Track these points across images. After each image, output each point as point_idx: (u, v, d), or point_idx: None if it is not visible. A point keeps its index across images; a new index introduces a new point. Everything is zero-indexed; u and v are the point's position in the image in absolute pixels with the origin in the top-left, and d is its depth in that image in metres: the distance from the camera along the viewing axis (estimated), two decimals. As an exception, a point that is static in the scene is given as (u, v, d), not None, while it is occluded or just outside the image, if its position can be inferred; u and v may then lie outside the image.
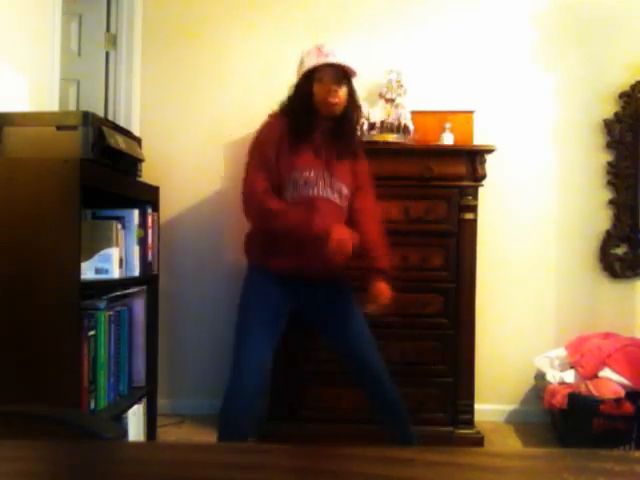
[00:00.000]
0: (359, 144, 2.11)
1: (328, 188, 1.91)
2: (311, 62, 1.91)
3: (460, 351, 2.52)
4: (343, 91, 1.93)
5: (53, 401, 1.56)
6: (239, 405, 1.89)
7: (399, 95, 2.73)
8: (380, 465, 0.63)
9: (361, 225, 1.97)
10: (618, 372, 2.42)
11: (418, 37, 2.95)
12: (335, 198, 1.93)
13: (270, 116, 2.02)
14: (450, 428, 2.52)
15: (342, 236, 1.76)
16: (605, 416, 2.31)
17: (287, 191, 1.88)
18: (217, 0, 3.00)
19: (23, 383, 1.59)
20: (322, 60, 1.90)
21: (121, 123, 2.59)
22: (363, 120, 2.58)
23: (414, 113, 2.66)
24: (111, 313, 1.91)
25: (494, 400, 2.89)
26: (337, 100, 1.91)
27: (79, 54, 2.91)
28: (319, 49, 1.93)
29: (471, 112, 2.70)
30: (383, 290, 1.94)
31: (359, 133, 2.22)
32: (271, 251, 1.91)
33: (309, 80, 1.91)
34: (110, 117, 2.84)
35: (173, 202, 2.90)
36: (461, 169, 2.52)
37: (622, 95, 2.89)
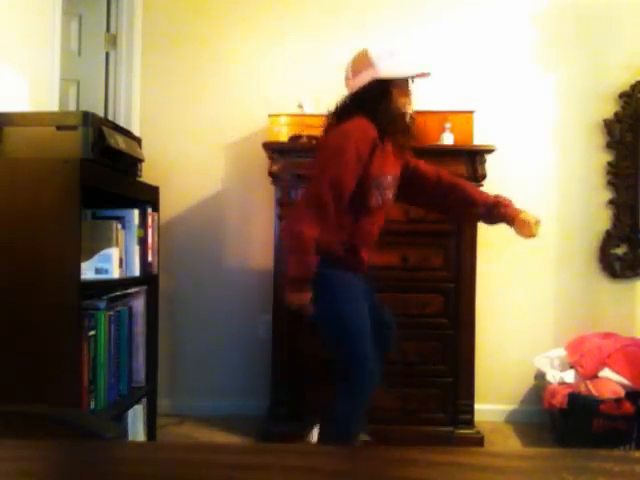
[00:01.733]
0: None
1: (394, 188, 1.98)
2: (391, 70, 1.88)
3: (460, 351, 2.52)
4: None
5: (53, 401, 1.56)
6: (371, 389, 1.87)
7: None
8: (380, 465, 0.63)
9: (451, 185, 2.06)
10: (618, 372, 2.42)
11: (418, 37, 2.95)
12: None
13: (355, 117, 1.89)
14: (450, 428, 2.52)
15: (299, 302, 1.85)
16: (605, 416, 2.31)
17: (371, 194, 1.89)
18: (217, 0, 3.00)
19: (23, 383, 1.59)
20: (405, 71, 1.90)
21: (121, 123, 2.59)
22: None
23: (414, 113, 2.66)
24: (111, 313, 1.91)
25: (494, 400, 2.89)
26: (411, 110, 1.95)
27: (79, 54, 2.91)
28: (394, 50, 1.93)
29: (471, 112, 2.70)
30: (528, 216, 1.95)
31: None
32: (352, 250, 1.93)
33: (389, 85, 1.89)
34: (110, 117, 2.84)
35: (173, 202, 2.90)
36: (461, 169, 2.52)
37: (622, 95, 2.89)
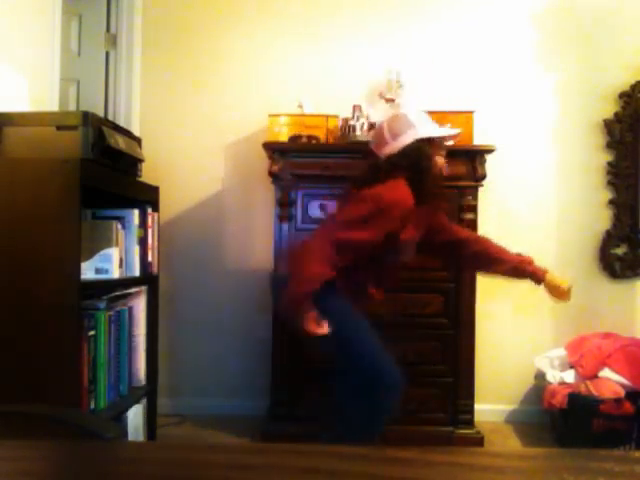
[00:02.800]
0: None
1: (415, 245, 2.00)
2: (432, 130, 1.92)
3: (460, 351, 2.52)
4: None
5: (53, 401, 1.56)
6: (396, 397, 1.87)
7: (399, 95, 2.73)
8: (380, 465, 0.63)
9: (484, 249, 2.10)
10: (618, 372, 2.42)
11: (418, 37, 2.95)
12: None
13: (396, 178, 1.88)
14: (450, 428, 2.52)
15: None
16: (605, 416, 2.31)
17: (398, 254, 1.93)
18: (217, 0, 3.00)
19: (23, 383, 1.59)
20: (444, 131, 1.95)
21: (121, 123, 2.59)
22: (364, 121, 2.59)
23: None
24: (111, 313, 1.91)
25: (494, 400, 2.89)
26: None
27: (79, 54, 2.91)
28: (427, 116, 1.97)
29: (471, 112, 2.70)
30: (557, 280, 2.00)
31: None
32: (356, 296, 1.92)
33: (430, 146, 1.91)
34: (110, 117, 2.84)
35: (173, 202, 2.90)
36: (461, 169, 2.52)
37: (622, 95, 2.89)
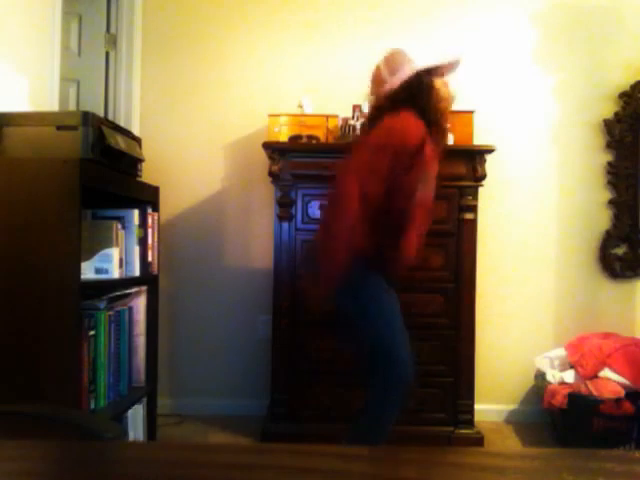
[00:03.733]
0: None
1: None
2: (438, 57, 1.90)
3: (460, 351, 2.52)
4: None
5: (53, 401, 1.56)
6: (407, 391, 1.85)
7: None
8: (380, 465, 0.63)
9: None
10: (618, 372, 2.41)
11: (418, 37, 2.95)
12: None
13: (403, 111, 1.83)
14: (450, 428, 2.52)
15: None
16: (605, 416, 2.31)
17: (418, 187, 1.86)
18: (217, 0, 3.00)
19: (23, 383, 1.59)
20: (443, 60, 1.92)
21: (121, 123, 2.59)
22: (364, 121, 2.58)
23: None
24: (111, 313, 1.91)
25: (494, 400, 2.89)
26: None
27: (79, 54, 2.91)
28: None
29: (471, 112, 2.70)
30: None
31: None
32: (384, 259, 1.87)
33: (429, 79, 1.89)
34: (110, 117, 2.84)
35: (173, 202, 2.90)
36: (461, 169, 2.52)
37: (622, 95, 2.89)
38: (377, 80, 1.93)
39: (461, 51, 2.00)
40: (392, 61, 1.91)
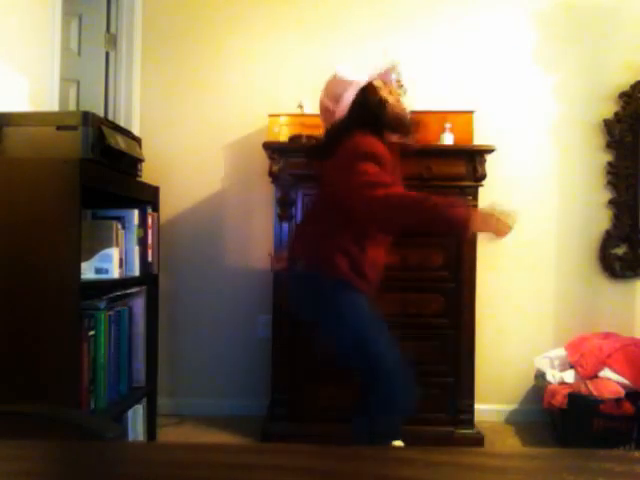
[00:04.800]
0: None
1: None
2: (371, 73, 1.88)
3: (460, 351, 2.52)
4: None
5: (53, 401, 1.56)
6: (411, 397, 1.83)
7: (399, 95, 2.73)
8: (380, 465, 0.63)
9: None
10: (618, 372, 2.41)
11: (418, 37, 2.95)
12: None
13: (362, 132, 1.82)
14: (450, 428, 2.52)
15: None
16: (605, 416, 2.31)
17: None
18: (217, 1, 3.00)
19: (23, 383, 1.59)
20: (381, 68, 1.91)
21: (121, 123, 2.59)
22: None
23: (414, 113, 2.66)
24: (111, 313, 1.91)
25: (494, 400, 2.89)
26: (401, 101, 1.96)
27: (79, 54, 2.91)
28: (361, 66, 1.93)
29: (471, 112, 2.70)
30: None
31: None
32: (358, 274, 1.84)
33: (376, 90, 1.88)
34: (110, 117, 2.84)
35: (173, 202, 2.90)
36: (461, 169, 2.52)
37: (622, 95, 2.89)
38: (325, 113, 1.94)
39: (390, 53, 2.00)
40: (333, 89, 1.90)
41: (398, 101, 1.93)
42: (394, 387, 1.81)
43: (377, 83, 1.89)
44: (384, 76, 1.93)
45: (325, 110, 1.93)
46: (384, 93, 1.89)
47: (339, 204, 1.81)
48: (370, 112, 1.84)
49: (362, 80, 1.87)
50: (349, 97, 1.85)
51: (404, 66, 2.81)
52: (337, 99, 1.87)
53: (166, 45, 2.99)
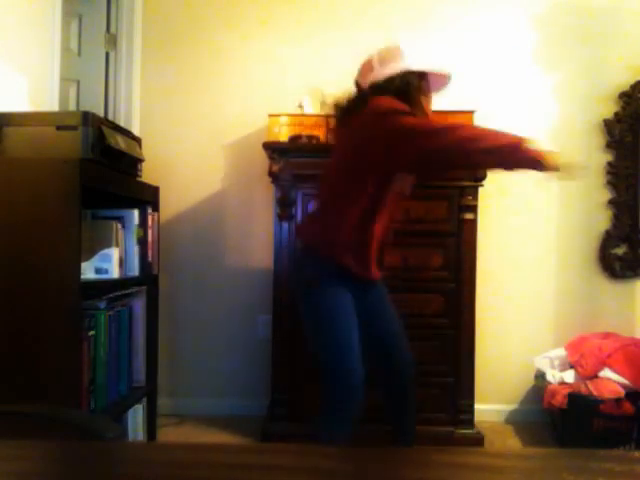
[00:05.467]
0: None
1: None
2: (426, 66, 1.84)
3: (460, 351, 2.52)
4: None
5: (53, 401, 1.56)
6: (358, 398, 1.75)
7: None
8: (380, 465, 0.63)
9: None
10: (618, 372, 2.41)
11: (418, 37, 2.95)
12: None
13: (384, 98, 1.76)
14: (450, 428, 2.52)
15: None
16: (605, 416, 2.31)
17: (390, 187, 1.77)
18: (217, 1, 3.00)
19: (23, 383, 1.59)
20: (438, 69, 1.85)
21: (121, 123, 2.59)
22: None
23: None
24: (111, 313, 1.91)
25: (494, 400, 2.89)
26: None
27: (79, 54, 2.91)
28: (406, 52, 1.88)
29: (471, 112, 2.70)
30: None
31: None
32: (345, 248, 1.76)
33: (420, 80, 1.83)
34: (110, 117, 2.84)
35: (173, 202, 2.91)
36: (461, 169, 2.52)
37: (622, 95, 2.89)
38: (364, 67, 1.88)
39: (452, 69, 1.95)
40: (386, 52, 1.86)
41: (429, 105, 1.87)
42: (335, 397, 1.75)
43: (427, 81, 1.84)
44: (437, 78, 1.87)
45: (366, 65, 1.87)
46: (425, 90, 1.84)
47: (356, 169, 1.73)
48: (403, 93, 1.77)
49: (416, 66, 1.81)
50: (394, 68, 1.80)
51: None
52: (384, 62, 1.82)
53: (166, 45, 3.00)
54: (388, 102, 1.72)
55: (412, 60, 1.83)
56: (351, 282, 1.79)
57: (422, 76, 1.83)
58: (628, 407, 2.31)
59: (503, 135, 1.63)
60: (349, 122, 1.83)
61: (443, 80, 1.90)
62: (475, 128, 1.71)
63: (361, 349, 1.77)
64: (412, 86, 1.80)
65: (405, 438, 1.96)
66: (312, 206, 2.39)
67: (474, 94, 2.89)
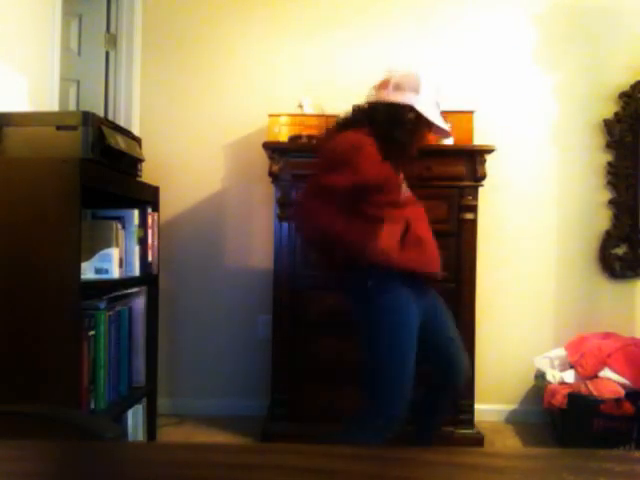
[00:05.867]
0: None
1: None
2: (431, 111, 1.81)
3: (460, 351, 2.52)
4: None
5: (53, 401, 1.56)
6: (399, 425, 1.74)
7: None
8: (380, 465, 0.63)
9: None
10: (618, 372, 2.42)
11: (418, 37, 2.95)
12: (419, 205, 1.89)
13: (356, 133, 1.77)
14: (450, 428, 2.52)
15: None
16: (605, 416, 2.31)
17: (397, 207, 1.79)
18: (217, 0, 3.00)
19: (23, 383, 1.59)
20: (439, 121, 1.84)
21: (121, 123, 2.59)
22: None
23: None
24: (111, 313, 1.91)
25: (494, 400, 2.89)
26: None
27: (79, 54, 2.91)
28: (438, 89, 1.86)
29: (471, 112, 2.70)
30: None
31: None
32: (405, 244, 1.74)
33: (419, 122, 1.80)
34: (110, 117, 2.84)
35: (173, 202, 2.90)
36: (461, 169, 2.52)
37: (622, 95, 2.89)
38: (383, 82, 1.85)
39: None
40: (406, 79, 1.81)
41: (418, 144, 1.87)
42: (376, 419, 1.72)
43: (425, 125, 1.83)
44: (434, 127, 1.86)
45: (384, 82, 1.83)
46: (417, 135, 1.83)
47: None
48: (391, 126, 1.77)
49: (423, 107, 1.78)
50: (401, 98, 1.77)
51: (404, 66, 2.82)
52: (397, 87, 1.79)
53: (166, 45, 3.00)
54: (340, 146, 1.75)
55: (425, 98, 1.80)
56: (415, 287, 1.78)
57: (421, 118, 1.80)
58: (628, 407, 2.31)
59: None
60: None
61: (443, 133, 1.92)
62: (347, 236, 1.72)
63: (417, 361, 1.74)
64: (405, 122, 1.78)
65: (429, 436, 2.00)
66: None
67: (474, 94, 2.89)
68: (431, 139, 2.62)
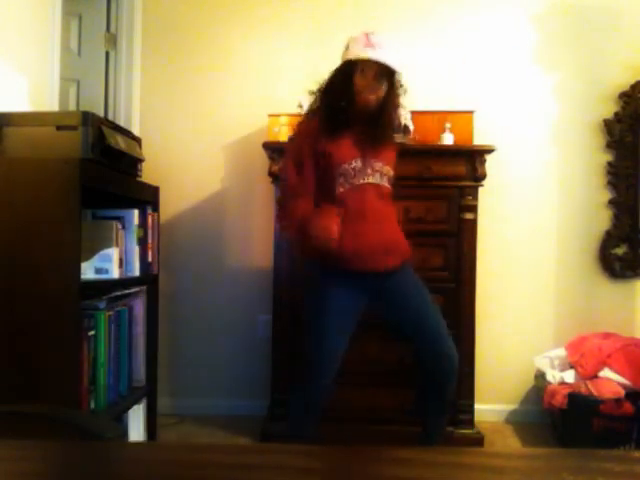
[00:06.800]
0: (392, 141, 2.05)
1: (377, 174, 1.90)
2: (356, 51, 1.86)
3: (460, 351, 2.51)
4: (382, 88, 1.88)
5: (53, 401, 1.56)
6: (318, 402, 1.98)
7: (399, 95, 2.72)
8: (380, 465, 0.63)
9: None
10: (618, 372, 2.41)
11: (418, 37, 2.95)
12: (384, 182, 1.93)
13: (303, 118, 2.05)
14: (450, 428, 2.51)
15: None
16: (605, 416, 2.31)
17: (338, 184, 1.86)
18: (217, 0, 3.00)
19: (23, 383, 1.59)
20: (368, 53, 1.84)
21: (121, 123, 2.59)
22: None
23: (414, 113, 2.66)
24: (111, 313, 1.91)
25: (494, 400, 2.89)
26: (374, 97, 1.88)
27: (79, 54, 2.91)
28: (367, 37, 1.86)
29: (471, 112, 2.70)
30: None
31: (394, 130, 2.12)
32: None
33: (350, 69, 1.87)
34: (110, 117, 2.84)
35: (173, 202, 2.90)
36: (461, 169, 2.52)
37: (622, 95, 2.89)
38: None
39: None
40: (345, 45, 1.98)
41: (363, 91, 1.87)
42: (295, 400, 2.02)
43: (362, 68, 1.87)
44: (369, 64, 1.86)
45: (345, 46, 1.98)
46: (359, 79, 1.86)
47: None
48: (333, 87, 1.93)
49: (351, 53, 1.89)
50: (340, 60, 1.96)
51: (405, 66, 2.81)
52: (341, 55, 1.96)
53: (166, 45, 2.99)
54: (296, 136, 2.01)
55: (355, 46, 1.90)
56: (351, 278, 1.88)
57: (352, 64, 1.88)
58: (628, 407, 2.31)
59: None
60: None
61: (379, 63, 1.88)
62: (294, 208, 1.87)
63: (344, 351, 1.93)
64: (342, 76, 1.89)
65: (435, 434, 2.02)
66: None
67: (474, 94, 2.89)
68: (432, 139, 2.63)
